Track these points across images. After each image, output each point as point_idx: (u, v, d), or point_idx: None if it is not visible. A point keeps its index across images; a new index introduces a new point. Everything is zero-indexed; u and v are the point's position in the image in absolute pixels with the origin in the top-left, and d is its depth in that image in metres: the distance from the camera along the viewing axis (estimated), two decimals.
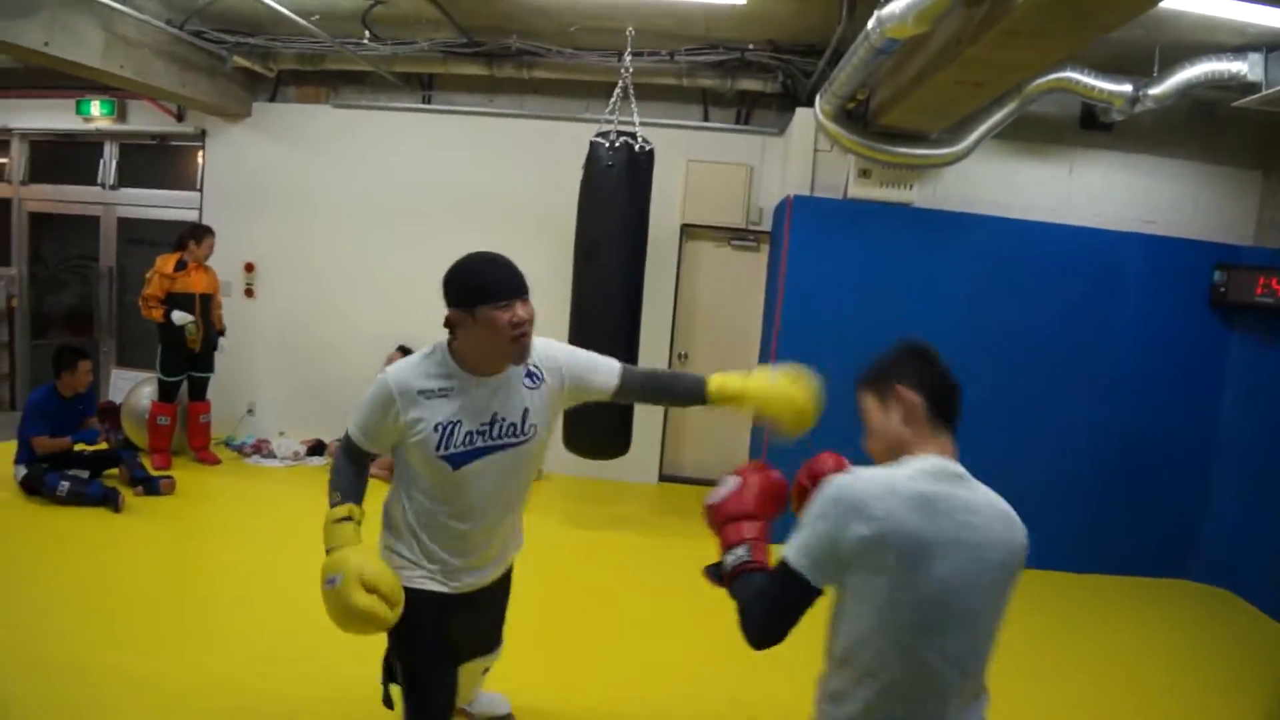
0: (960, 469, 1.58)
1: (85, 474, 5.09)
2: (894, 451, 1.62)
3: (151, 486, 5.17)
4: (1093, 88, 4.32)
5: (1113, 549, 5.25)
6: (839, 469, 1.78)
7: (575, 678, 3.47)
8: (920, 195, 5.07)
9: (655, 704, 3.33)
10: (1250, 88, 4.16)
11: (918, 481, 1.51)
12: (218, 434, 6.37)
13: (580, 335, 5.12)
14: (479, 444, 2.11)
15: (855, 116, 4.70)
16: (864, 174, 4.97)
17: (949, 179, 5.09)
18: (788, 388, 2.29)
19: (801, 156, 5.23)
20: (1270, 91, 4.07)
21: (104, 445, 5.37)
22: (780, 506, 1.79)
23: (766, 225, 6.19)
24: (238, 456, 6.32)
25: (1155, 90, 4.31)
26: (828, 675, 1.60)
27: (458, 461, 2.09)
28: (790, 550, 1.52)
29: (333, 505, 2.09)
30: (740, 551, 1.65)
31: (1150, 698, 3.73)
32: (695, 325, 6.49)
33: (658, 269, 5.64)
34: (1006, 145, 5.03)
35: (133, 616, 3.68)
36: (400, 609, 2.01)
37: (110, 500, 4.86)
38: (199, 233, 5.88)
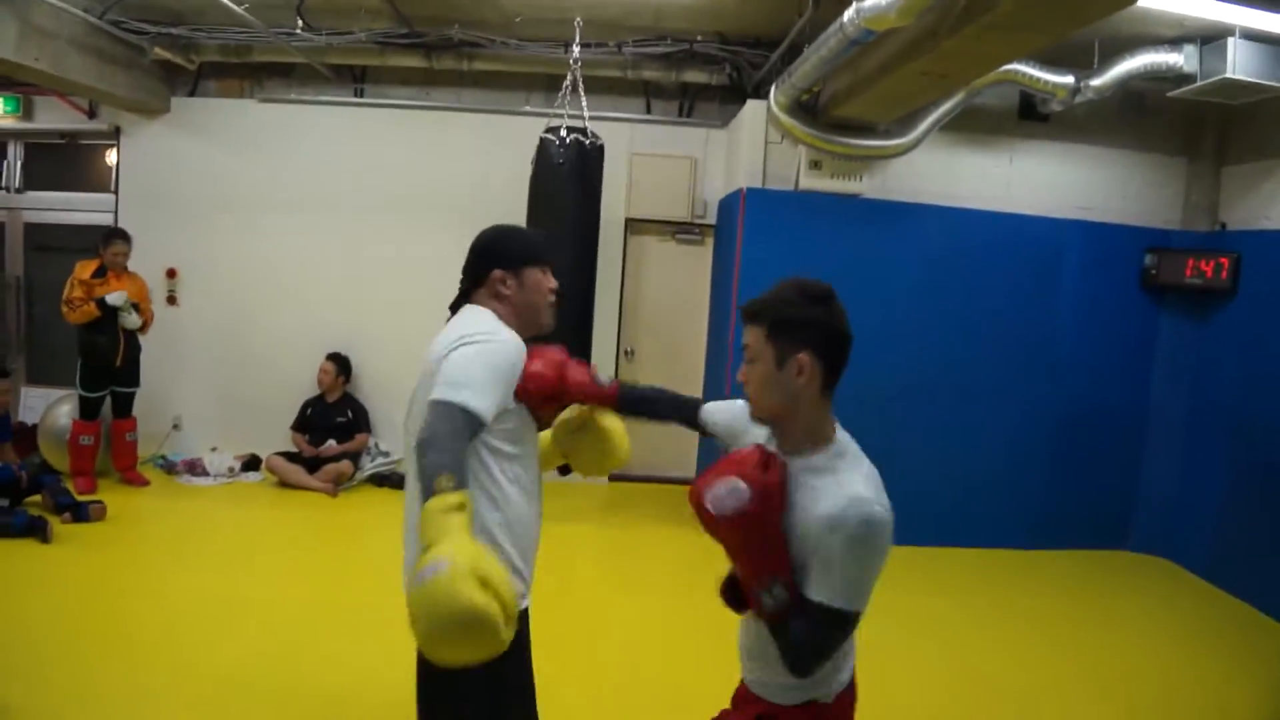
0: None
1: (4, 502, 4.68)
2: (791, 414, 1.59)
3: (80, 513, 4.76)
4: (1037, 79, 4.47)
5: (1056, 524, 5.46)
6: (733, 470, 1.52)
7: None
8: (869, 186, 5.14)
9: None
10: (1185, 79, 4.36)
11: None
12: (143, 452, 5.97)
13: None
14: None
15: (806, 108, 4.73)
16: (815, 165, 5.00)
17: (896, 170, 5.18)
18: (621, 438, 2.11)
19: (752, 149, 5.24)
20: (1205, 83, 4.27)
21: (18, 482, 4.83)
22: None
23: (711, 218, 6.19)
24: (167, 475, 5.95)
25: (1096, 81, 4.48)
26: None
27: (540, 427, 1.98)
28: (856, 601, 1.47)
29: (441, 491, 1.48)
30: (779, 592, 1.49)
31: (1100, 662, 3.92)
32: (641, 321, 6.45)
33: (604, 264, 5.57)
34: (951, 136, 5.13)
35: (66, 656, 3.38)
36: (514, 628, 1.41)
37: (38, 530, 4.45)
38: (108, 237, 5.50)
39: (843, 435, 1.63)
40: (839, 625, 1.48)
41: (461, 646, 1.35)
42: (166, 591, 4.11)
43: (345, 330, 6.20)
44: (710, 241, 6.29)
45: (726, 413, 1.95)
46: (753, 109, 5.17)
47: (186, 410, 6.42)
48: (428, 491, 1.49)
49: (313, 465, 5.88)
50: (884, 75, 3.67)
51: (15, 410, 6.25)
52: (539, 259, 1.99)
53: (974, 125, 5.15)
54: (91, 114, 6.29)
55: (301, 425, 6.12)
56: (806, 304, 1.59)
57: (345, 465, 5.89)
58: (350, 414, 6.13)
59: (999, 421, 5.38)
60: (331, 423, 6.09)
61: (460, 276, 2.03)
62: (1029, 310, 5.35)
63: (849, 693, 1.67)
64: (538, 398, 1.91)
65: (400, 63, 5.74)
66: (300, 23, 5.18)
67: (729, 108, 5.84)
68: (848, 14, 3.21)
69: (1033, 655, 3.95)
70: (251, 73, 6.21)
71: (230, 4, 4.55)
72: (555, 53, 5.39)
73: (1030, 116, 5.18)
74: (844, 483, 1.50)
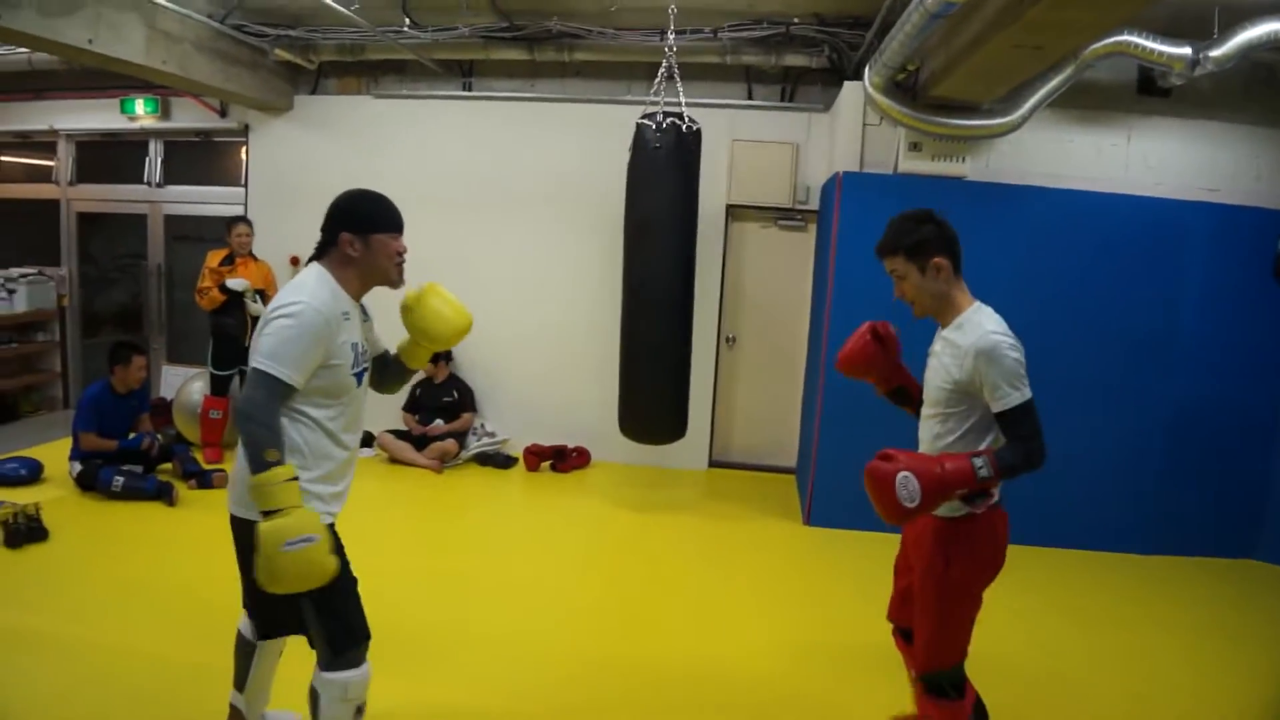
0: None
1: (139, 469, 5.14)
2: (944, 301, 2.31)
3: (204, 480, 5.23)
4: (1151, 51, 4.18)
5: (1175, 529, 5.10)
6: (889, 479, 2.12)
7: (634, 638, 3.61)
8: (973, 168, 4.94)
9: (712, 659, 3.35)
10: None
11: None
12: None
13: (632, 317, 5.09)
14: (363, 364, 2.32)
15: (905, 89, 4.60)
16: (915, 148, 4.85)
17: (1002, 150, 4.97)
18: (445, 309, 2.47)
19: (850, 132, 5.13)
20: None
21: (147, 448, 5.27)
22: None
23: (813, 204, 6.10)
24: None
25: (1215, 52, 4.15)
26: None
27: (360, 379, 2.30)
28: (1026, 393, 2.16)
29: (274, 464, 2.00)
30: (985, 465, 2.09)
31: (1217, 678, 3.62)
32: (743, 308, 6.42)
33: (704, 251, 5.57)
34: (1061, 114, 4.88)
35: (186, 608, 3.70)
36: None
37: (165, 494, 4.92)
38: (232, 222, 5.91)
39: (974, 303, 2.32)
40: (1028, 411, 2.15)
41: (312, 584, 2.05)
42: None
43: None
44: (813, 228, 6.21)
45: None
46: (850, 91, 5.07)
47: None
48: (256, 462, 2.00)
49: (421, 443, 6.15)
50: (976, 50, 3.53)
51: (156, 386, 6.81)
52: (390, 228, 2.27)
53: (1087, 101, 4.87)
54: (223, 113, 6.76)
55: (411, 405, 6.40)
56: (921, 226, 2.31)
57: (450, 444, 6.13)
58: (456, 394, 6.38)
59: (1113, 418, 5.05)
60: (439, 403, 6.35)
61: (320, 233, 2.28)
62: (1147, 299, 5.01)
63: (998, 510, 2.33)
64: None
65: (504, 56, 5.90)
66: (407, 21, 5.40)
67: (831, 91, 5.74)
68: None
69: (1143, 665, 3.70)
70: (368, 70, 6.51)
71: (337, 5, 4.79)
72: (652, 40, 5.43)
73: (1150, 91, 4.85)
74: (979, 324, 2.23)
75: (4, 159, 7.79)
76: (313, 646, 2.26)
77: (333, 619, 2.21)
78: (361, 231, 2.21)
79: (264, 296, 5.88)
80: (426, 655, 3.33)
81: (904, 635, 2.58)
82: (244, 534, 2.16)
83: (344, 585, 2.21)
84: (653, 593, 4.19)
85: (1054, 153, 4.99)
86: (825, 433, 5.17)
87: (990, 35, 3.33)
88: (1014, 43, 3.28)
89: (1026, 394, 2.13)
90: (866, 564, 4.57)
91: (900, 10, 3.85)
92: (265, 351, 2.07)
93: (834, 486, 5.16)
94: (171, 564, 4.19)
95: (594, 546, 4.85)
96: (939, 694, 2.29)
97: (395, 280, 2.31)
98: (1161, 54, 4.15)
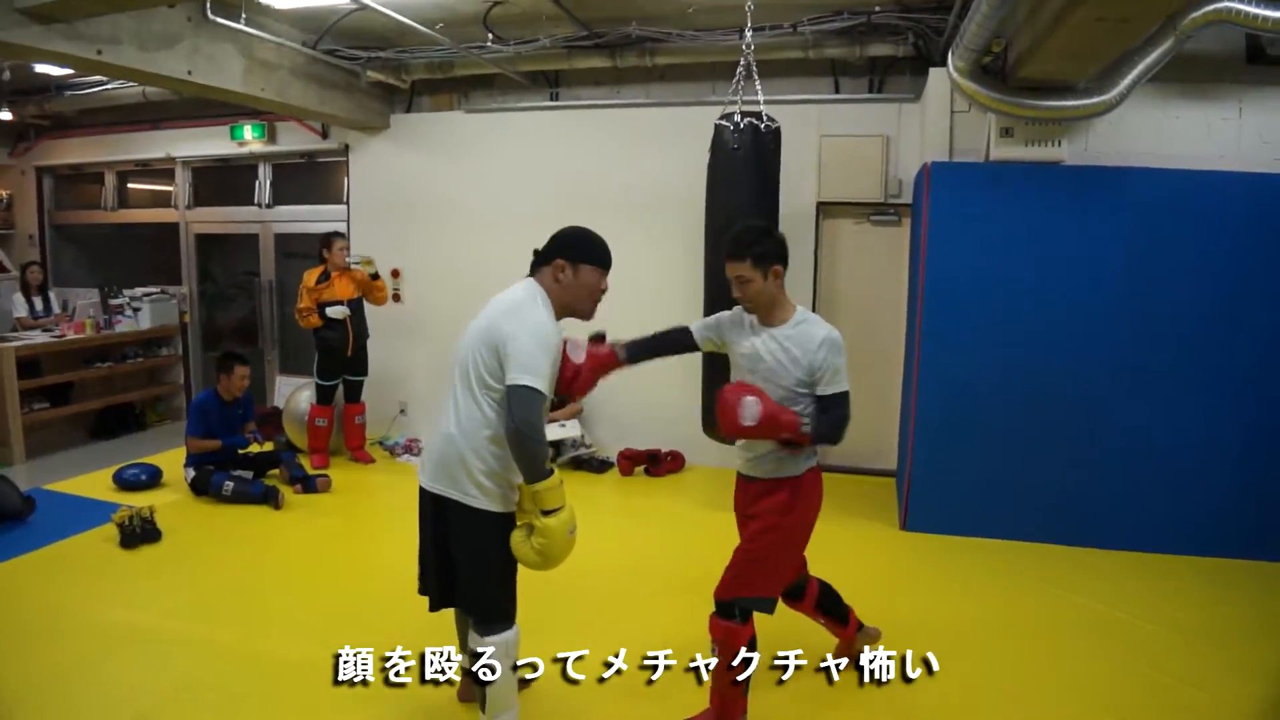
0: None
1: (249, 474, 5.43)
2: (774, 302, 2.70)
3: (309, 485, 5.49)
4: (1255, 17, 3.79)
5: None
6: (737, 399, 2.57)
7: None
8: (1070, 151, 4.64)
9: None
10: None
11: None
12: (372, 434, 6.66)
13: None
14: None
15: (993, 72, 4.36)
16: (1006, 133, 4.61)
17: (1101, 131, 4.67)
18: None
19: (938, 121, 4.94)
20: None
21: (254, 448, 5.67)
22: None
23: (906, 198, 5.90)
24: (390, 455, 6.58)
25: None
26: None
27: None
28: (846, 384, 2.65)
29: (551, 471, 2.39)
30: (805, 421, 2.63)
31: None
32: (838, 306, 6.22)
33: (794, 250, 5.34)
34: (1164, 89, 4.55)
35: (291, 607, 3.89)
36: None
37: (271, 498, 5.18)
38: (328, 240, 6.10)
39: (799, 307, 2.75)
40: (848, 398, 2.66)
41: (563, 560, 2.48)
42: (377, 551, 4.65)
43: None
44: (908, 222, 6.00)
45: (711, 327, 2.92)
46: (936, 78, 4.87)
47: (410, 397, 7.04)
48: (539, 471, 2.37)
49: None
50: (1059, 26, 3.32)
51: (271, 396, 7.16)
52: (602, 263, 2.63)
53: (1191, 74, 4.52)
54: (324, 134, 7.06)
55: None
56: (766, 238, 2.70)
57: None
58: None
59: (1231, 415, 4.63)
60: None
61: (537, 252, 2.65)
62: (1268, 285, 4.59)
63: (817, 470, 2.83)
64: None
65: (588, 64, 5.91)
66: (490, 35, 5.49)
67: (920, 80, 5.52)
68: None
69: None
70: (459, 86, 6.67)
71: (420, 26, 4.91)
72: (732, 39, 5.34)
73: (1260, 60, 4.46)
74: (816, 326, 2.67)
75: (130, 186, 8.35)
76: (472, 614, 2.64)
77: (505, 590, 2.60)
78: (574, 260, 2.55)
79: (375, 282, 6.14)
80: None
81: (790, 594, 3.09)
82: (485, 524, 2.52)
83: (513, 566, 2.57)
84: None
85: (1158, 131, 4.66)
86: (920, 436, 4.98)
87: (1072, 10, 3.13)
88: (1096, 15, 3.06)
89: (847, 386, 2.66)
90: (961, 568, 4.46)
91: None
92: (523, 366, 2.36)
93: (930, 491, 4.97)
94: (273, 564, 4.44)
95: (687, 546, 4.79)
96: (728, 616, 2.71)
97: (589, 313, 2.62)
98: (1266, 19, 3.77)
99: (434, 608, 2.76)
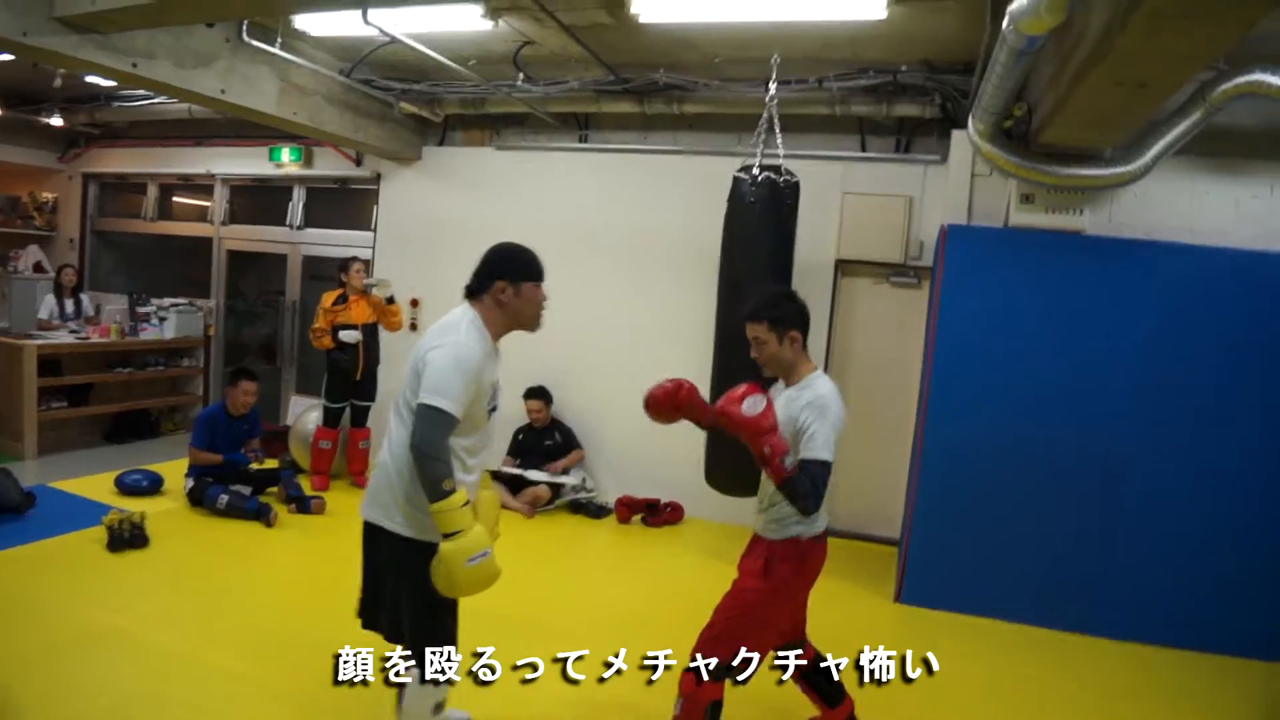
0: None
1: (246, 489, 5.46)
2: (791, 367, 2.76)
3: (304, 505, 5.50)
4: None
5: None
6: (751, 393, 2.47)
7: None
8: (1092, 221, 4.57)
9: None
10: None
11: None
12: (374, 460, 6.60)
13: (722, 373, 4.97)
14: (495, 400, 2.61)
15: (1015, 136, 4.31)
16: (1026, 199, 4.54)
17: (1126, 202, 4.60)
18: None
19: (959, 183, 4.89)
20: None
21: (254, 466, 5.69)
22: None
23: (927, 260, 5.83)
24: None
25: None
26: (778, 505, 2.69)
27: (491, 414, 2.58)
28: (829, 453, 2.55)
29: (450, 492, 2.28)
30: (789, 460, 2.47)
31: None
32: (850, 366, 6.13)
33: (809, 306, 5.37)
34: (1193, 162, 4.48)
35: (262, 624, 3.86)
36: None
37: (264, 515, 5.21)
38: (346, 264, 6.18)
39: (816, 370, 2.79)
40: (828, 470, 2.55)
41: (481, 589, 2.35)
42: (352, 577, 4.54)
43: (559, 362, 6.48)
44: (927, 285, 5.92)
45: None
46: (958, 140, 4.83)
47: None
48: (436, 492, 2.28)
49: (517, 487, 6.20)
50: (1077, 88, 3.26)
51: (284, 415, 7.21)
52: (538, 277, 2.59)
53: (1221, 149, 4.44)
54: (358, 162, 7.21)
55: (515, 449, 6.47)
56: (785, 303, 2.80)
57: (543, 490, 6.16)
58: (559, 437, 6.43)
59: (1257, 505, 4.44)
60: (541, 447, 6.40)
61: (471, 278, 2.58)
62: None
63: (822, 538, 2.80)
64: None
65: (616, 109, 5.98)
66: (520, 75, 5.58)
67: (946, 142, 5.49)
68: (1004, 22, 2.92)
69: None
70: (491, 123, 6.77)
71: (453, 64, 5.00)
72: (759, 92, 5.35)
73: None
74: (813, 389, 2.67)
75: (172, 199, 8.58)
76: (408, 647, 2.54)
77: (437, 627, 2.51)
78: (514, 280, 2.51)
79: (390, 306, 6.18)
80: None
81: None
82: (406, 552, 2.46)
83: (450, 602, 2.50)
84: None
85: (1185, 205, 4.58)
86: (921, 505, 4.85)
87: (1086, 72, 3.07)
88: (1114, 79, 2.99)
89: (831, 458, 2.55)
90: (949, 647, 4.21)
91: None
92: (431, 388, 2.33)
93: (929, 562, 4.82)
94: (257, 581, 4.43)
95: (672, 598, 4.68)
96: (696, 673, 2.64)
97: (536, 326, 2.61)
98: None
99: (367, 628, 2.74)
